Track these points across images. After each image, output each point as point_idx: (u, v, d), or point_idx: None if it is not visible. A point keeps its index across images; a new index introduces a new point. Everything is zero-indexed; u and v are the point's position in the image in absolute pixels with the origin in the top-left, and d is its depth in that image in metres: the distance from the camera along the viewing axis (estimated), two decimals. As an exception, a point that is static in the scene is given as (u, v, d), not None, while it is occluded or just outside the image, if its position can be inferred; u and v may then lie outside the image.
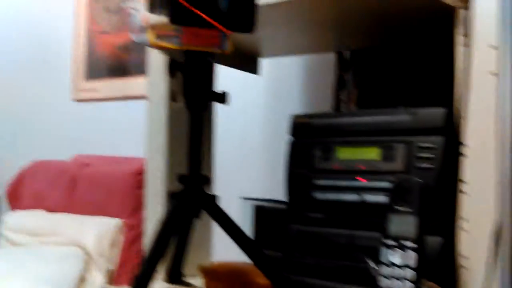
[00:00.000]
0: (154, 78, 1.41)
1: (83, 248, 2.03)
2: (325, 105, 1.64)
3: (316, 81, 1.79)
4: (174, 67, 0.96)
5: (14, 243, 2.29)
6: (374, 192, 1.09)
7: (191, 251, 1.23)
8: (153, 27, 0.93)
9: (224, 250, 1.32)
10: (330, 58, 1.63)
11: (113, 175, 2.14)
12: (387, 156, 1.09)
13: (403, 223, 0.98)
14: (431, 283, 0.97)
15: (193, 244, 1.22)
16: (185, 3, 0.87)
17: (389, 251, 0.97)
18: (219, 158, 1.56)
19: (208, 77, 0.99)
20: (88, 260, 2.02)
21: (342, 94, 1.56)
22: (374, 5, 1.14)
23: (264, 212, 1.44)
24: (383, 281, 0.95)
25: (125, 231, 2.05)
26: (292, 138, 1.24)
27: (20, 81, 3.04)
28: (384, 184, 1.08)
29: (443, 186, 1.02)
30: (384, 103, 1.46)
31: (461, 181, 0.99)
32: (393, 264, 0.95)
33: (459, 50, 1.02)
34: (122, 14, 2.54)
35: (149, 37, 0.92)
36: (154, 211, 1.40)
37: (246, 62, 1.63)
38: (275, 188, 1.63)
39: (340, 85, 1.56)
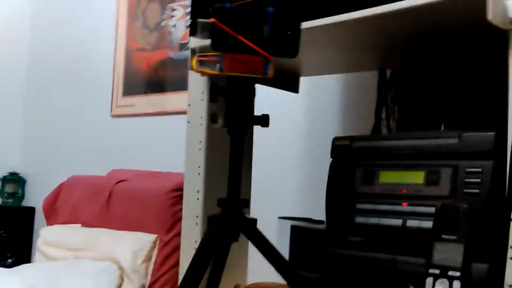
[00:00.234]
0: (194, 99, 1.41)
1: (117, 263, 2.04)
2: (365, 123, 1.61)
3: (356, 99, 1.77)
4: (215, 92, 0.95)
5: (49, 258, 2.31)
6: (417, 217, 1.06)
7: (227, 271, 1.21)
8: (194, 51, 0.93)
9: (260, 271, 1.30)
10: (370, 76, 1.60)
11: (149, 191, 2.14)
12: (432, 181, 1.06)
13: (448, 251, 0.95)
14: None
15: (228, 265, 1.20)
16: (230, 31, 0.86)
17: (434, 280, 0.94)
18: (257, 177, 1.55)
19: (249, 101, 0.97)
20: (122, 275, 2.02)
21: (382, 112, 1.53)
22: (416, 27, 1.12)
23: (301, 232, 1.42)
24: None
25: (160, 247, 2.04)
26: (333, 161, 1.22)
27: (61, 96, 3.09)
28: (429, 210, 1.04)
29: (490, 212, 0.99)
30: (425, 122, 1.43)
31: (510, 208, 0.95)
32: (439, 294, 0.92)
33: None
34: (160, 31, 2.56)
35: (192, 63, 0.91)
36: (191, 232, 1.39)
37: (286, 81, 1.62)
38: (313, 208, 1.61)
39: (381, 103, 1.53)
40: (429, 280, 0.93)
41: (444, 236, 0.96)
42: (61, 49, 3.11)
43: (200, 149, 1.38)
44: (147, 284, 2.02)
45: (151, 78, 2.60)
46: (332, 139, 1.25)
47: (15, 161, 3.26)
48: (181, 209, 1.46)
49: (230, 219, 1.02)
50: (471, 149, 1.03)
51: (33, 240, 3.06)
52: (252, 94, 0.98)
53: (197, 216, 1.39)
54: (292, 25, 0.96)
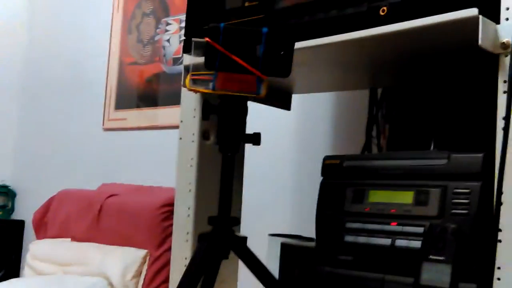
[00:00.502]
0: (187, 116, 1.42)
1: (107, 278, 2.02)
2: (356, 141, 1.63)
3: (347, 118, 1.78)
4: (208, 110, 0.95)
5: (38, 272, 2.29)
6: (406, 237, 1.07)
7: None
8: (188, 69, 0.93)
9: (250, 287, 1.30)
10: (361, 95, 1.62)
11: (140, 206, 2.13)
12: (421, 201, 1.07)
13: (436, 271, 0.96)
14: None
15: (218, 282, 1.20)
16: (223, 50, 0.87)
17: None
18: (248, 194, 1.55)
19: (241, 119, 0.98)
20: (111, 290, 2.01)
21: (373, 131, 1.54)
22: (407, 48, 1.14)
23: (290, 250, 1.42)
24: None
25: (150, 262, 2.03)
26: (324, 179, 1.23)
27: (53, 110, 3.09)
28: (417, 230, 1.05)
29: (478, 233, 1.00)
30: (415, 140, 1.44)
31: (498, 229, 0.96)
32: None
33: (501, 96, 1.00)
34: (154, 45, 2.57)
35: (186, 81, 0.92)
36: (181, 248, 1.39)
37: (278, 98, 1.63)
38: (303, 225, 1.61)
39: (371, 121, 1.55)
40: (417, 300, 0.94)
41: (432, 256, 0.96)
42: (54, 63, 3.11)
43: (191, 166, 1.38)
44: (136, 299, 2.01)
45: (143, 92, 2.61)
46: (323, 157, 1.26)
47: (5, 173, 3.24)
48: (171, 224, 1.45)
49: (220, 237, 1.02)
50: (460, 170, 1.04)
51: (22, 254, 3.04)
52: (244, 112, 0.98)
53: (187, 233, 1.39)
54: (285, 45, 0.97)
